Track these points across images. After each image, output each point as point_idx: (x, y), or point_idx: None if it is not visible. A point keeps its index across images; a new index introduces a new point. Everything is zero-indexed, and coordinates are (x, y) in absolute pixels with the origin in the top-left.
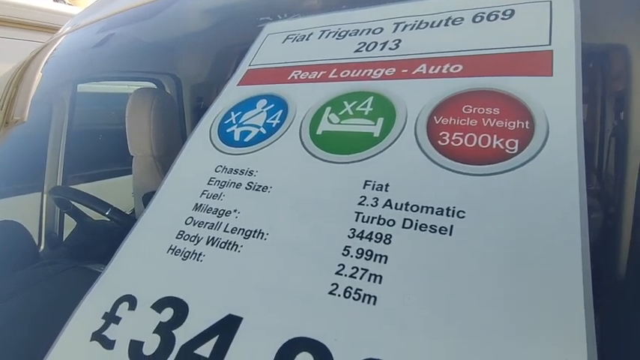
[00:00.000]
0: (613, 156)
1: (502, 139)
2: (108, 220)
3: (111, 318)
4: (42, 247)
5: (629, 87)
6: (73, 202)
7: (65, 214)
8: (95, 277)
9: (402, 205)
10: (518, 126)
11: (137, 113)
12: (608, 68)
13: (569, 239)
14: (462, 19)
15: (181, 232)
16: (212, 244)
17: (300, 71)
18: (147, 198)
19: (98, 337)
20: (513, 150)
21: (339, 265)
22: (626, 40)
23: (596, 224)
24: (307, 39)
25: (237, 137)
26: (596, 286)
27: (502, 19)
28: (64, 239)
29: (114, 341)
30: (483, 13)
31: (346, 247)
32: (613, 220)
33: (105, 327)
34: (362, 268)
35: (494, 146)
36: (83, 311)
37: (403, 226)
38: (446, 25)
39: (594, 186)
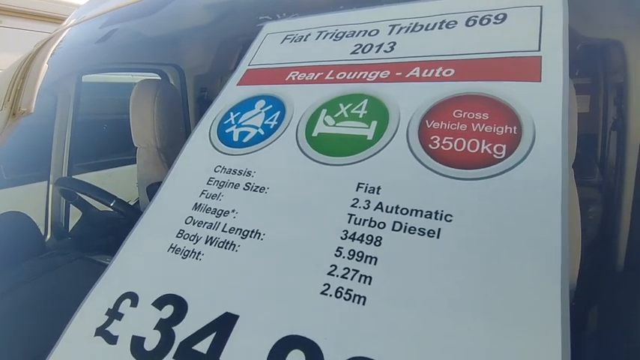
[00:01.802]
0: (614, 149)
1: (490, 144)
2: (112, 210)
3: (114, 314)
4: (48, 237)
5: (628, 81)
6: (78, 193)
7: (71, 205)
8: (100, 269)
9: (392, 208)
10: (506, 131)
11: (141, 105)
12: (609, 62)
13: (550, 243)
14: (456, 22)
15: (181, 231)
16: (211, 244)
17: (297, 72)
18: (151, 189)
19: (102, 332)
20: (501, 155)
21: (331, 266)
22: (624, 35)
23: (596, 216)
24: (305, 39)
25: (236, 138)
26: (596, 277)
27: (494, 23)
28: (70, 229)
29: (117, 337)
30: (476, 16)
31: (339, 248)
32: (612, 212)
33: (108, 323)
34: (353, 269)
35: (482, 151)
36: (87, 307)
37: (393, 229)
38: (440, 28)
39: (596, 178)
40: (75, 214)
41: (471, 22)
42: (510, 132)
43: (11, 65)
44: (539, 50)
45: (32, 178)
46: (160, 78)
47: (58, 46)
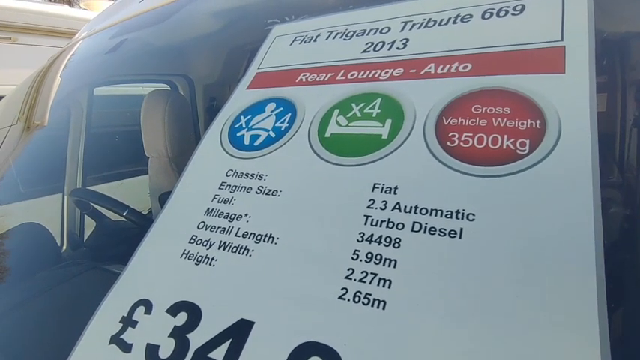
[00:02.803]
0: (635, 147)
1: (512, 140)
2: (126, 220)
3: (128, 322)
4: (64, 248)
5: None
6: (92, 204)
7: (85, 215)
8: (114, 278)
9: (411, 208)
10: (529, 126)
11: (151, 115)
12: (628, 57)
13: (582, 242)
14: (471, 15)
15: (194, 237)
16: (224, 249)
17: (308, 73)
18: (163, 198)
19: (116, 340)
20: (524, 150)
21: (348, 270)
22: None
23: (616, 218)
24: (315, 40)
25: (247, 141)
26: (618, 282)
27: (512, 14)
28: (84, 240)
29: (131, 344)
30: (493, 9)
31: (355, 250)
32: (635, 212)
33: (122, 330)
34: (371, 273)
35: (504, 147)
36: (102, 315)
37: (412, 230)
38: (454, 22)
39: (615, 178)
40: (90, 225)
41: (487, 15)
42: (534, 126)
43: (25, 80)
44: (562, 40)
45: (48, 190)
46: (169, 88)
47: (70, 60)
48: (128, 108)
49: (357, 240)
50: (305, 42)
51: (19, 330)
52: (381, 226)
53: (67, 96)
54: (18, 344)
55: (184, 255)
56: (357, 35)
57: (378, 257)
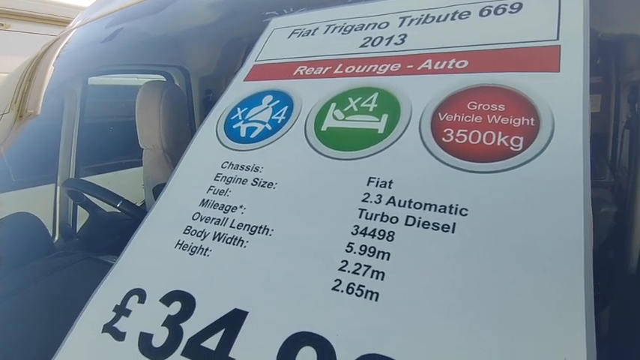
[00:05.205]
0: (626, 148)
1: (507, 136)
2: (119, 211)
3: (121, 311)
4: (56, 238)
5: None
6: (85, 195)
7: (78, 206)
8: (107, 269)
9: (405, 202)
10: (523, 123)
11: (146, 106)
12: (622, 59)
13: (572, 238)
14: (469, 12)
15: (189, 228)
16: (218, 240)
17: (305, 67)
18: (157, 190)
19: (109, 329)
20: (518, 147)
21: (342, 262)
22: None
23: (608, 217)
24: (313, 34)
25: (243, 133)
26: (609, 280)
27: (510, 12)
28: (77, 230)
29: (124, 333)
30: (491, 6)
31: (350, 243)
32: (626, 212)
33: (116, 319)
34: (365, 265)
35: (498, 143)
36: (95, 304)
37: (406, 224)
38: (452, 19)
39: (607, 179)
40: (82, 216)
41: (485, 12)
42: (528, 124)
43: (18, 67)
44: (557, 39)
45: (40, 180)
46: (165, 79)
47: (64, 48)
48: (123, 98)
49: (352, 233)
50: (303, 35)
51: (11, 319)
52: (375, 219)
53: (60, 85)
54: (10, 333)
55: (179, 245)
56: (356, 29)
57: (372, 250)
